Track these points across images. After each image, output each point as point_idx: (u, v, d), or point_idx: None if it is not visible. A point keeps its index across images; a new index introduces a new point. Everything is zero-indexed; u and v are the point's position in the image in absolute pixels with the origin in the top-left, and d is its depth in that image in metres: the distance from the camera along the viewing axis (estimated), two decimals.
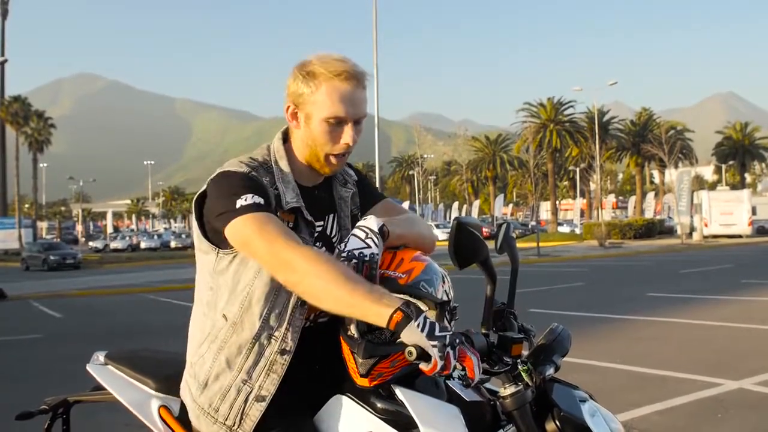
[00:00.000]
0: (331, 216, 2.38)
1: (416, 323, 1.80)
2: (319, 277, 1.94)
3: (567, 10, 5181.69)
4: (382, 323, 1.85)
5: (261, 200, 2.10)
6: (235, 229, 2.08)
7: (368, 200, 2.48)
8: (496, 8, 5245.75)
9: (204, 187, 2.21)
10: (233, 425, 2.18)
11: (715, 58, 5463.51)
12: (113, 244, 71.40)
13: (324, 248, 2.31)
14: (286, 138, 2.33)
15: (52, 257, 41.19)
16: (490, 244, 2.17)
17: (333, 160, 2.23)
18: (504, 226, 2.30)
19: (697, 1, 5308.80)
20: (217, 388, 2.21)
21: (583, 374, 7.63)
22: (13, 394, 7.54)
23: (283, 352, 2.19)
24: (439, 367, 1.74)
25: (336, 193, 2.40)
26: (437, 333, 1.78)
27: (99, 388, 2.66)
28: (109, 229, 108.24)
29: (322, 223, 2.33)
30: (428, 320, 1.81)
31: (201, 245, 2.26)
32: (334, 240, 2.36)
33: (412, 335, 1.79)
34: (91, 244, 78.95)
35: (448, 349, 1.76)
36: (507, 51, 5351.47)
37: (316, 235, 2.29)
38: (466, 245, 2.15)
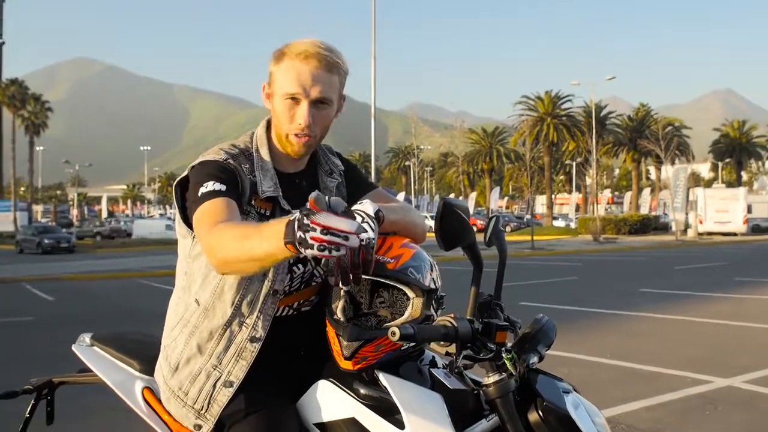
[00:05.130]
0: None
1: (299, 244, 1.69)
2: (225, 250, 1.91)
3: (566, 4, 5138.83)
4: (294, 255, 1.76)
5: (222, 187, 2.10)
6: (194, 219, 2.10)
7: (358, 190, 2.47)
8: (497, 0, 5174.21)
9: (185, 172, 2.22)
10: (201, 409, 2.20)
11: (714, 55, 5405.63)
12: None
13: None
14: (269, 126, 2.33)
15: (46, 240, 41.12)
16: (480, 236, 2.17)
17: (293, 140, 2.22)
18: (493, 219, 2.30)
19: None
20: (187, 372, 2.23)
21: (572, 368, 7.64)
22: (1, 376, 7.53)
23: (253, 339, 2.20)
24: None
25: (321, 183, 2.40)
26: (299, 239, 1.67)
27: (85, 370, 2.66)
28: (104, 214, 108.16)
29: None
30: (294, 227, 1.70)
31: (180, 229, 2.28)
32: None
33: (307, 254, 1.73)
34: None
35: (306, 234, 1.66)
36: (505, 44, 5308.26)
37: None
38: (452, 227, 2.16)
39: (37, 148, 78.90)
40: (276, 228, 1.77)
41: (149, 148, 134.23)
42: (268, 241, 1.79)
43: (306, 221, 1.66)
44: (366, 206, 2.11)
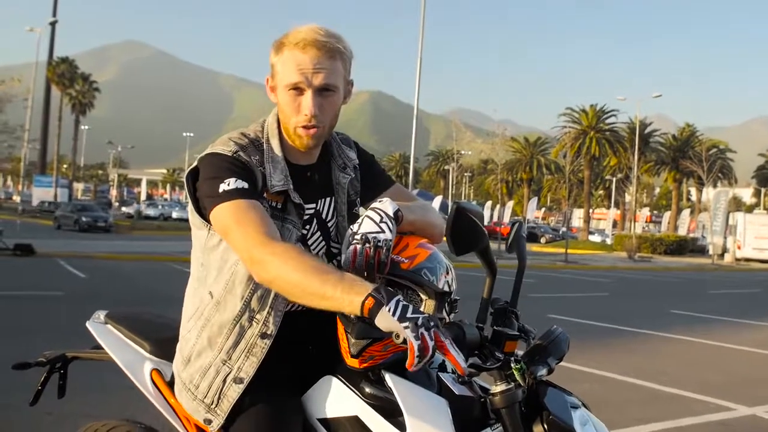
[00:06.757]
0: (328, 199, 2.33)
1: (387, 308, 1.76)
2: (290, 273, 1.92)
3: (618, 19, 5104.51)
4: (356, 311, 1.81)
5: (245, 184, 2.08)
6: (217, 217, 2.07)
7: (374, 185, 2.43)
8: (548, 10, 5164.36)
9: (195, 163, 2.19)
10: (211, 404, 2.18)
11: (765, 79, 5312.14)
12: (147, 212, 71.38)
13: (318, 231, 2.29)
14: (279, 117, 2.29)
15: (83, 218, 41.49)
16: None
17: (300, 132, 2.18)
18: (515, 225, 2.27)
19: (752, 21, 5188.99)
20: (198, 366, 2.21)
21: (593, 384, 7.58)
22: (22, 347, 7.59)
23: (263, 335, 2.17)
24: (416, 348, 1.69)
25: (333, 178, 2.36)
26: (409, 315, 1.74)
27: (99, 347, 2.66)
28: (143, 197, 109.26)
29: (313, 205, 2.28)
30: (401, 303, 1.77)
31: (194, 220, 2.24)
32: (329, 224, 2.33)
33: (384, 320, 1.76)
34: (124, 209, 79.50)
35: (422, 330, 1.71)
36: (554, 54, 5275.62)
37: (306, 217, 2.25)
38: (464, 232, 2.13)
39: (82, 127, 79.72)
40: (362, 281, 1.86)
41: (192, 134, 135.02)
42: (346, 286, 1.84)
43: (432, 324, 1.74)
44: (386, 205, 2.08)
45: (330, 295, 1.85)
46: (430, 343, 1.71)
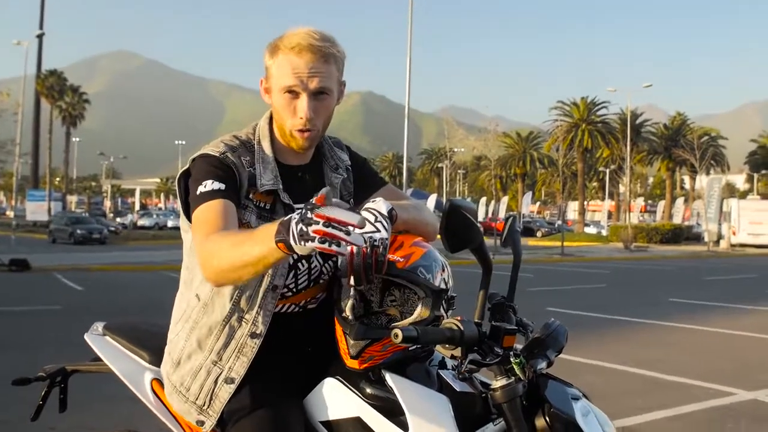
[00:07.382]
0: None
1: (292, 240, 1.69)
2: (224, 261, 1.90)
3: (605, 11, 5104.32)
4: (282, 255, 1.77)
5: (222, 185, 2.08)
6: (192, 220, 2.09)
7: (367, 186, 2.43)
8: (535, 5, 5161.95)
9: (187, 164, 2.20)
10: (203, 405, 2.19)
11: (753, 66, 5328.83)
12: (141, 222, 71.41)
13: None
14: (273, 118, 2.30)
15: (78, 231, 41.44)
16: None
17: (296, 134, 2.19)
18: (509, 219, 2.27)
19: (737, 7, 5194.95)
20: (188, 368, 2.23)
21: (594, 376, 7.59)
22: (21, 362, 7.58)
23: (253, 335, 2.18)
24: (340, 249, 1.64)
25: (326, 178, 2.36)
26: (303, 231, 1.66)
27: (98, 359, 2.66)
28: (137, 207, 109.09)
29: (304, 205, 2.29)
30: (295, 224, 1.69)
31: (183, 224, 2.26)
32: None
33: (300, 250, 1.70)
34: (118, 220, 79.42)
35: (311, 228, 1.64)
36: (544, 49, 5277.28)
37: None
38: (458, 229, 2.13)
39: (74, 139, 79.60)
40: (268, 229, 1.79)
41: (184, 142, 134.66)
42: (260, 243, 1.80)
43: (310, 215, 1.66)
44: (379, 205, 2.07)
45: (258, 257, 1.82)
46: (335, 232, 1.63)
